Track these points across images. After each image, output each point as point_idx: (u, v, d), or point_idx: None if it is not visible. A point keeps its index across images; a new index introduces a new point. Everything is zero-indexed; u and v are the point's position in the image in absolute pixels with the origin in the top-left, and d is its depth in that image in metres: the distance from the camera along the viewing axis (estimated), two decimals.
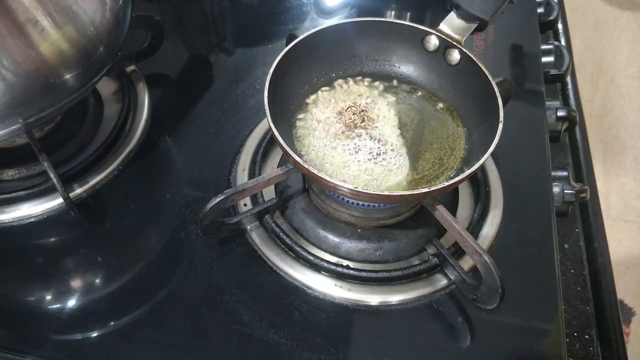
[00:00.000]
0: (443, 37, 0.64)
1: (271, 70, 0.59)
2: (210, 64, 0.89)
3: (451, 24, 0.64)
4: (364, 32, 0.67)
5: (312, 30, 0.64)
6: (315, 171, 0.53)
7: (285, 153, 0.55)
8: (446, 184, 0.53)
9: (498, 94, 0.58)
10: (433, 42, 0.65)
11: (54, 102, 0.60)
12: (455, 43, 0.63)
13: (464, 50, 0.62)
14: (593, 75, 2.14)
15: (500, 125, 0.56)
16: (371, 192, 0.53)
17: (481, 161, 0.54)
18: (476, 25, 0.63)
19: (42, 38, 0.55)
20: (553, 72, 0.88)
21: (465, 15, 0.63)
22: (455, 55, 0.64)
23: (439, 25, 0.64)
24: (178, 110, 0.80)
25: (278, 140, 0.55)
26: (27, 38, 0.54)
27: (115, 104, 0.79)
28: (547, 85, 0.85)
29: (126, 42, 0.68)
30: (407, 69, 0.69)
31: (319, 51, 0.65)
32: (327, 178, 0.53)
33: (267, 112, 0.56)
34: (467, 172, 0.53)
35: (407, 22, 0.66)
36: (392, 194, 0.53)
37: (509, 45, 0.89)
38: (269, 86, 0.58)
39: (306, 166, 0.54)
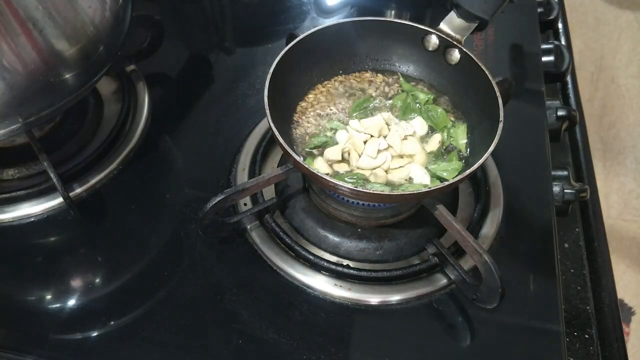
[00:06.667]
0: (443, 36, 0.64)
1: (271, 70, 0.59)
2: (210, 63, 0.89)
3: (451, 24, 0.64)
4: (364, 31, 0.67)
5: (312, 30, 0.64)
6: (315, 170, 0.53)
7: (285, 153, 0.55)
8: (446, 183, 0.54)
9: (498, 94, 0.58)
10: (433, 41, 0.65)
11: (54, 101, 0.60)
12: (455, 42, 0.63)
13: (464, 49, 0.62)
14: (593, 74, 2.14)
15: (501, 125, 0.56)
16: (371, 191, 0.53)
17: (481, 161, 0.54)
18: (476, 24, 0.63)
19: (42, 38, 0.55)
20: (553, 71, 0.88)
21: (465, 15, 0.63)
22: (455, 55, 0.64)
23: (439, 24, 0.64)
24: (178, 110, 0.80)
25: (278, 140, 0.55)
26: (27, 38, 0.54)
27: (115, 103, 0.78)
28: (547, 85, 0.85)
29: (126, 41, 0.68)
30: (407, 68, 0.69)
31: (318, 50, 0.65)
32: (328, 178, 0.53)
33: (267, 111, 0.56)
34: (467, 171, 0.53)
35: (407, 22, 0.66)
36: (392, 193, 0.53)
37: (509, 44, 0.88)
38: (268, 85, 0.58)
39: (306, 166, 0.54)
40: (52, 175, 0.64)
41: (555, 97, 0.92)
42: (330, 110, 0.66)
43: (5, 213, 0.67)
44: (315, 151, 0.62)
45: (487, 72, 0.60)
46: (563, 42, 1.00)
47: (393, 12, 0.97)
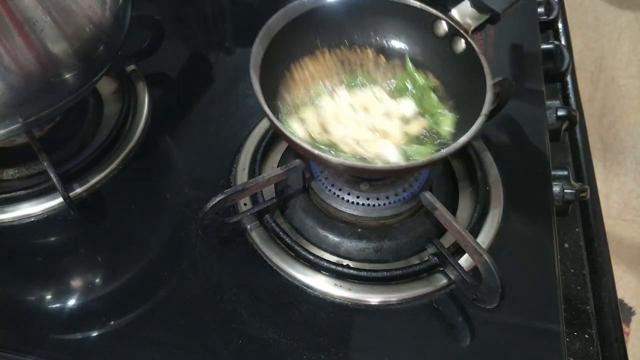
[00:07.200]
0: (451, 23, 0.62)
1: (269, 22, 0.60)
2: (210, 63, 0.89)
3: (462, 12, 0.62)
4: (373, 7, 0.66)
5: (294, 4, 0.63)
6: (307, 146, 0.53)
7: (277, 129, 0.55)
8: (418, 162, 0.54)
9: (489, 87, 0.56)
10: (442, 27, 0.63)
11: (54, 101, 0.60)
12: (462, 31, 0.62)
13: (470, 40, 0.61)
14: (593, 74, 2.14)
15: (481, 119, 0.54)
16: (356, 164, 0.53)
17: (461, 141, 0.53)
18: (487, 17, 0.62)
19: (41, 38, 0.55)
20: (553, 71, 0.88)
21: (478, 5, 0.62)
22: (460, 45, 0.62)
23: (450, 10, 0.63)
24: (178, 110, 0.80)
25: (268, 116, 0.54)
26: (27, 37, 0.54)
27: (115, 103, 0.78)
28: (547, 85, 0.85)
29: (126, 41, 0.68)
30: (412, 49, 0.67)
31: (324, 18, 0.65)
32: (298, 141, 0.53)
33: (256, 87, 0.55)
34: (443, 151, 0.53)
35: (417, 4, 0.64)
36: (356, 164, 0.54)
37: (509, 44, 0.88)
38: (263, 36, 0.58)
39: (298, 142, 0.54)
40: (52, 175, 0.64)
41: (555, 97, 0.92)
42: (323, 78, 0.65)
43: (5, 213, 0.67)
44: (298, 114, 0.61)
45: (484, 65, 0.58)
46: (563, 42, 1.00)
47: None
